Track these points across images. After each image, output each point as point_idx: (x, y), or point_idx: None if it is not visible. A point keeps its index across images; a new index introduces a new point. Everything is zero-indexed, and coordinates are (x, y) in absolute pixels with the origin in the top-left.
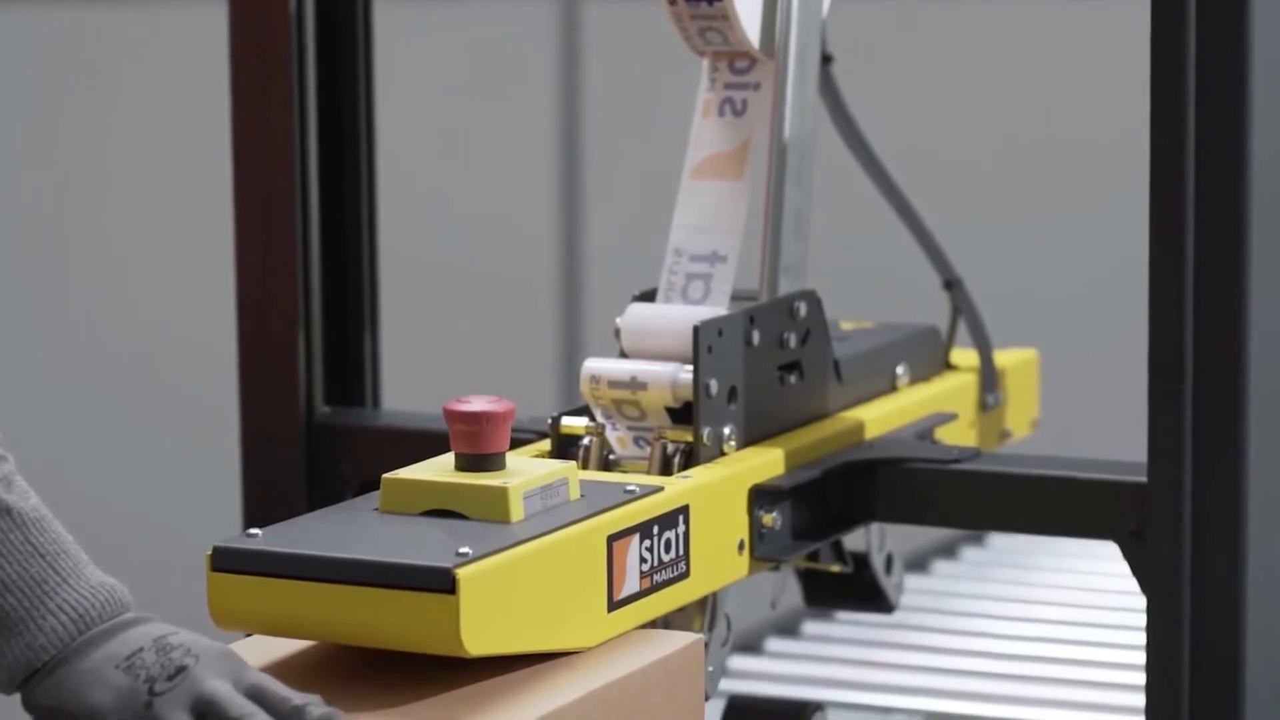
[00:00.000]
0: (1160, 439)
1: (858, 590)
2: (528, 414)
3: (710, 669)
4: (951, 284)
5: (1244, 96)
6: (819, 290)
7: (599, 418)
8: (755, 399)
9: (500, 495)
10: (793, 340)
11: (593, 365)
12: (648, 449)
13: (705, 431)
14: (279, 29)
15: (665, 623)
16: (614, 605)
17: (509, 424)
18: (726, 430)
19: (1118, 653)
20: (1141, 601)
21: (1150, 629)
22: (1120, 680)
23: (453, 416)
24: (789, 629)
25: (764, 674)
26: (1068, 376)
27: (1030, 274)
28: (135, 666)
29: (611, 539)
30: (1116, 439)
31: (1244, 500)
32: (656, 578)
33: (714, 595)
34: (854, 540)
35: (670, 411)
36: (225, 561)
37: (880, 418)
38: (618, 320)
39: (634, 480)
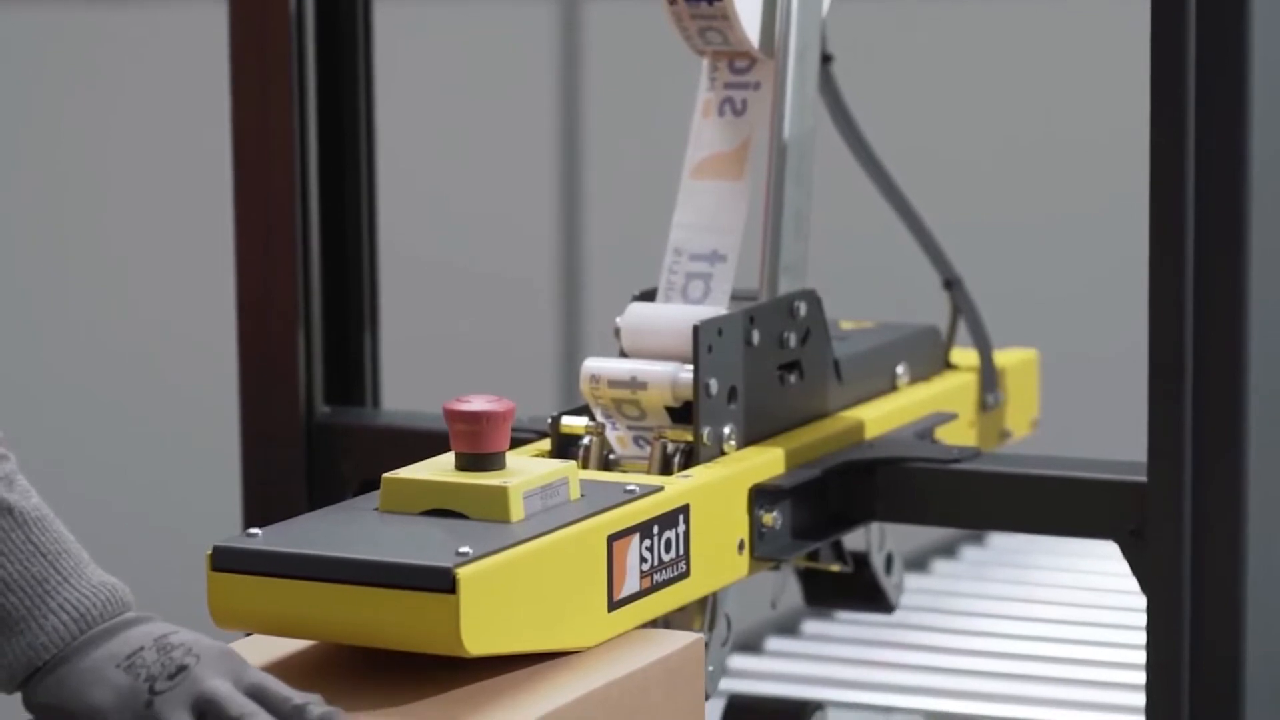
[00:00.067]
0: (1160, 439)
1: (858, 590)
2: (528, 413)
3: (710, 668)
4: (951, 283)
5: (1244, 96)
6: (819, 290)
7: (599, 417)
8: (755, 398)
9: (500, 495)
10: (793, 340)
11: (593, 365)
12: (648, 448)
13: (705, 431)
14: (279, 29)
15: (665, 622)
16: (614, 605)
17: (509, 423)
18: (726, 430)
19: (1118, 652)
20: (1141, 601)
21: (1150, 629)
22: (1120, 680)
23: (453, 416)
24: (789, 628)
25: (764, 673)
26: (1068, 376)
27: (1030, 274)
28: (136, 665)
29: (612, 539)
30: (1116, 439)
31: (1244, 500)
32: (656, 577)
33: (714, 595)
34: (854, 540)
35: (670, 411)
36: (225, 561)
37: (880, 417)
38: (618, 320)
39: (634, 480)
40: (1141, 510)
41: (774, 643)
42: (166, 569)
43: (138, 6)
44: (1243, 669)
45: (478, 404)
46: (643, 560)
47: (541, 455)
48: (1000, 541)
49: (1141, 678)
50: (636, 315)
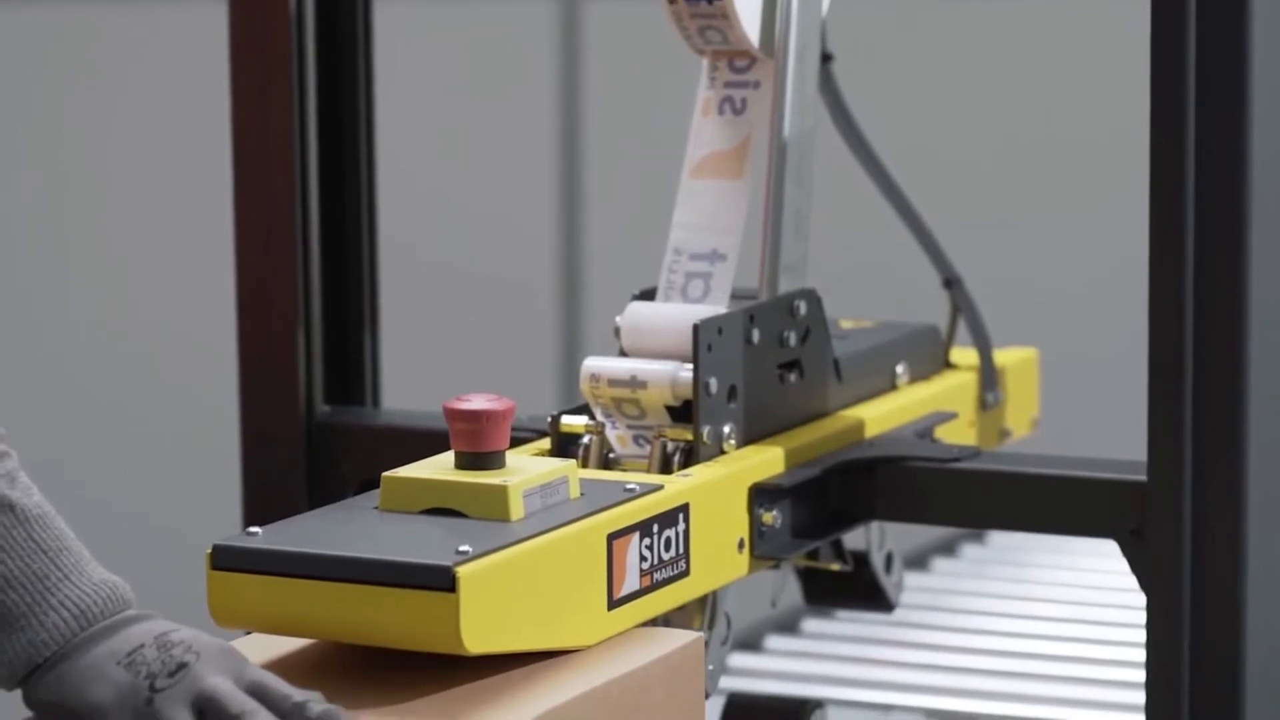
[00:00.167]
0: (1160, 438)
1: (858, 589)
2: (527, 413)
3: (710, 667)
4: (951, 283)
5: (1244, 96)
6: (819, 289)
7: (599, 416)
8: (755, 397)
9: (500, 493)
10: (793, 339)
11: (592, 364)
12: (647, 447)
13: (705, 430)
14: (279, 29)
15: (665, 621)
16: (614, 603)
17: (509, 422)
18: (726, 429)
19: (1118, 650)
20: (1142, 599)
21: (1150, 628)
22: (1120, 678)
23: (452, 415)
24: (789, 626)
25: (764, 671)
26: (1068, 375)
27: (1030, 273)
28: (136, 663)
29: (611, 537)
30: (1116, 438)
31: (1244, 499)
32: (656, 576)
33: (714, 594)
34: (854, 539)
35: (670, 410)
36: (225, 560)
37: (880, 416)
38: (617, 319)
39: (634, 479)
40: (1141, 510)
41: (774, 641)
42: (166, 568)
43: (138, 6)
44: (1243, 669)
45: (477, 403)
46: (642, 559)
47: (541, 454)
48: (1000, 539)
49: (1141, 676)
50: (636, 314)
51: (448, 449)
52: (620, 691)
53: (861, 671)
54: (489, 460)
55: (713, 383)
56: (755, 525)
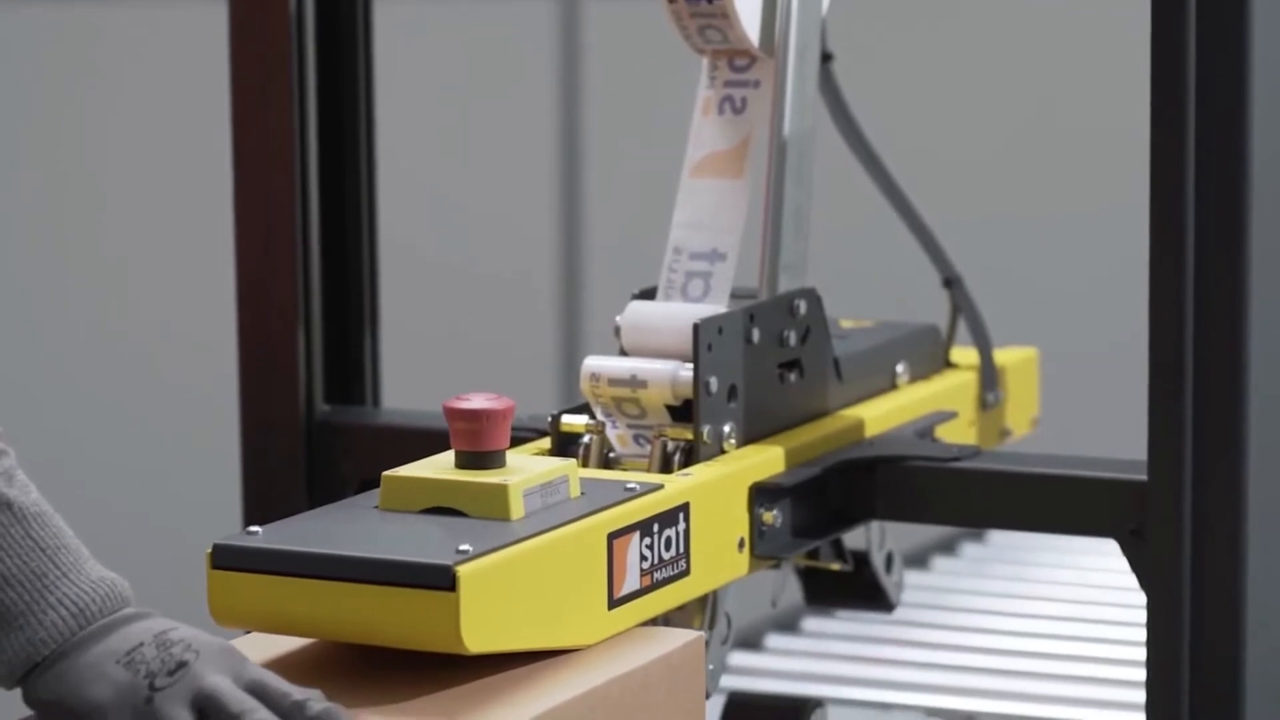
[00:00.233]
0: (1160, 438)
1: (858, 589)
2: (528, 412)
3: (711, 667)
4: (951, 282)
5: (1244, 96)
6: (819, 288)
7: (599, 416)
8: (755, 397)
9: (500, 493)
10: (793, 338)
11: (593, 363)
12: (648, 447)
13: (705, 429)
14: (279, 29)
15: (665, 621)
16: (614, 603)
17: (509, 422)
18: (726, 428)
19: (1118, 649)
20: (1142, 598)
21: (1150, 627)
22: (1120, 677)
23: (453, 414)
24: (789, 625)
25: (764, 670)
26: (1068, 375)
27: (1030, 272)
28: (136, 661)
29: (612, 537)
30: (1116, 437)
31: (1244, 499)
32: (657, 575)
33: (714, 593)
34: (854, 539)
35: (670, 409)
36: (225, 559)
37: (880, 416)
38: (618, 318)
39: (634, 478)
40: (1141, 509)
41: (774, 640)
42: (166, 568)
43: (137, 6)
44: (1243, 668)
45: (478, 402)
46: (643, 558)
47: (541, 454)
48: (1001, 538)
49: (1142, 675)
50: (636, 314)
51: (448, 448)
52: (621, 691)
53: (861, 670)
54: (489, 459)
55: (713, 382)
56: (755, 525)
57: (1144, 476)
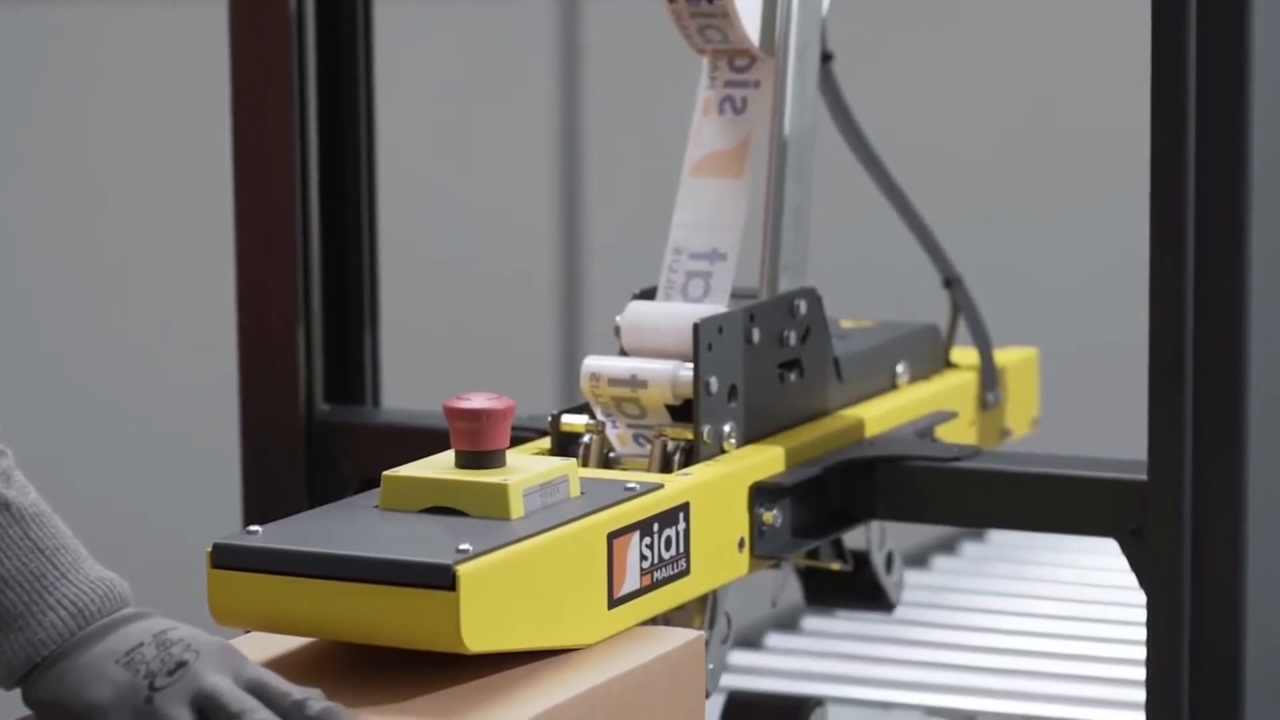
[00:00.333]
0: (1160, 438)
1: (858, 589)
2: (528, 412)
3: (711, 667)
4: (951, 282)
5: (1244, 96)
6: (819, 288)
7: (599, 415)
8: (755, 397)
9: (500, 492)
10: (793, 338)
11: (593, 363)
12: (648, 447)
13: (705, 429)
14: (279, 29)
15: (665, 620)
16: (614, 602)
17: (509, 421)
18: (726, 428)
19: (1118, 648)
20: (1142, 597)
21: (1150, 627)
22: (1120, 676)
23: (453, 414)
24: (789, 624)
25: (764, 669)
26: (1068, 375)
27: (1030, 272)
28: (135, 661)
29: (611, 536)
30: (1116, 437)
31: (1244, 499)
32: (657, 575)
33: (714, 593)
34: (854, 539)
35: (670, 409)
36: (225, 558)
37: (880, 416)
38: (618, 318)
39: (634, 478)
40: (1141, 509)
41: (774, 639)
42: (166, 568)
43: (137, 5)
44: (1243, 667)
45: (478, 401)
46: (643, 558)
47: (541, 453)
48: (1001, 538)
49: (1141, 674)
50: (636, 313)
51: (448, 448)
52: (621, 690)
53: (862, 669)
54: (489, 459)
55: (713, 382)
56: (755, 524)
57: (1144, 476)
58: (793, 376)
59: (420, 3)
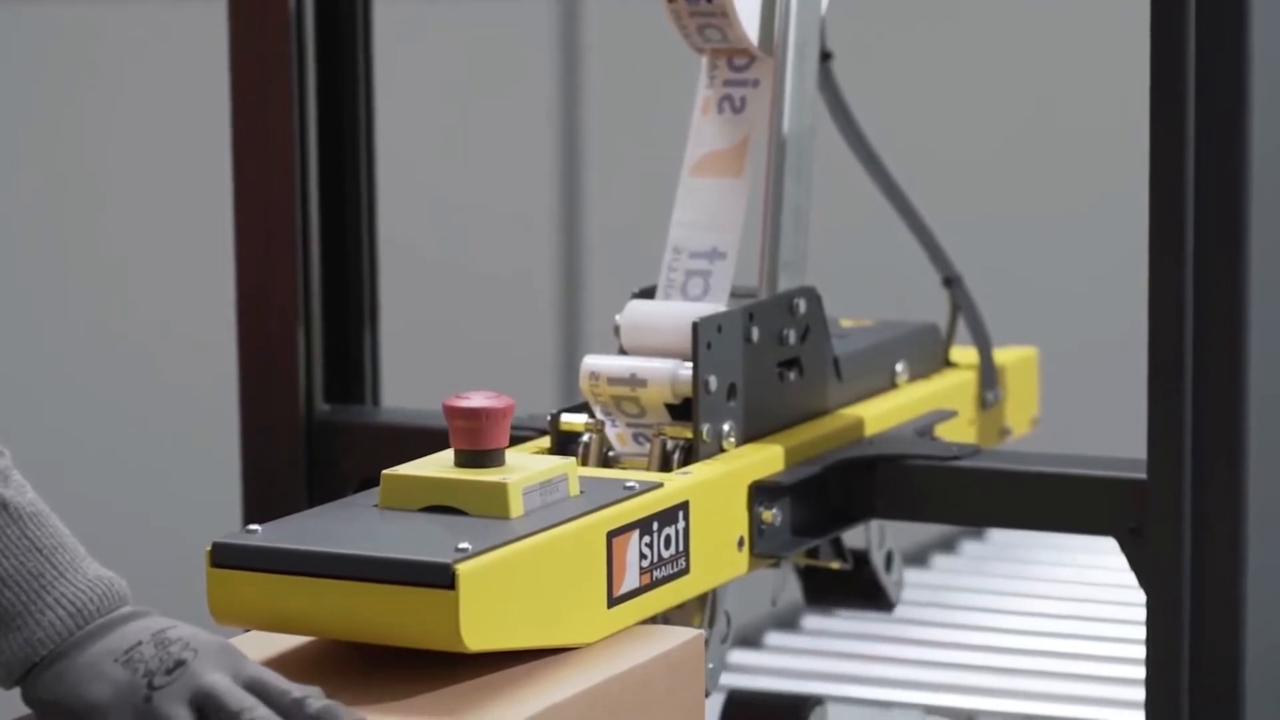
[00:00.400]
0: (1160, 437)
1: (858, 588)
2: (527, 411)
3: (710, 666)
4: (951, 281)
5: (1244, 96)
6: (818, 287)
7: (598, 414)
8: (755, 395)
9: (500, 491)
10: (792, 337)
11: (592, 362)
12: (647, 446)
13: (705, 428)
14: (279, 29)
15: (665, 619)
16: (614, 601)
17: (508, 420)
18: (726, 427)
19: (1118, 647)
20: (1142, 596)
21: (1150, 626)
22: (1120, 675)
23: (452, 412)
24: (788, 623)
25: (763, 668)
26: (1067, 374)
27: (1030, 271)
28: (134, 660)
29: (611, 535)
30: (1116, 436)
31: (1244, 498)
32: (656, 574)
33: (714, 592)
34: (854, 538)
35: (670, 408)
36: (225, 557)
37: (880, 415)
38: (617, 317)
39: (633, 477)
40: (1141, 508)
41: (773, 637)
42: (166, 567)
43: (138, 5)
44: (1242, 666)
45: (477, 400)
46: (642, 557)
47: (541, 452)
48: (1001, 536)
49: (1141, 673)
50: (636, 312)
51: (447, 447)
52: (620, 689)
53: (861, 668)
54: (489, 458)
55: (712, 381)
56: (755, 523)
57: (1143, 475)
58: (792, 375)
59: (420, 3)
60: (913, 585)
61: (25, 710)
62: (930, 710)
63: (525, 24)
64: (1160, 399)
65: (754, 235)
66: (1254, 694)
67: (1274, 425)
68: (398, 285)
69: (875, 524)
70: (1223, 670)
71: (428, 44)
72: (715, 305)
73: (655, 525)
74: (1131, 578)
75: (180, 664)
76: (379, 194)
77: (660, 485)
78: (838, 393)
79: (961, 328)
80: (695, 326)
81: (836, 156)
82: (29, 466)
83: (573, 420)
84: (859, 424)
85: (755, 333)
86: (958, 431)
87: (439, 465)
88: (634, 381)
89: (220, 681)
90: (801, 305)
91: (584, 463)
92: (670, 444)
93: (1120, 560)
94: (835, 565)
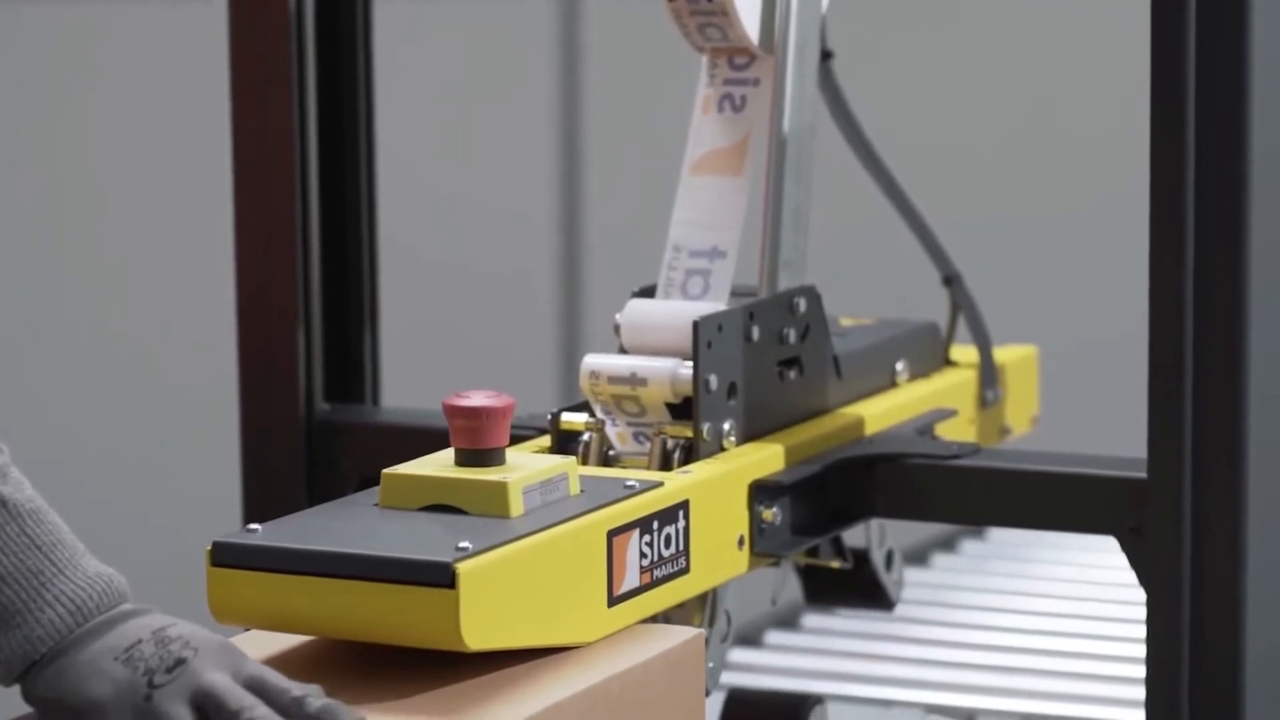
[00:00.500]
0: (1160, 436)
1: (858, 587)
2: (527, 410)
3: (710, 665)
4: (951, 280)
5: (1244, 95)
6: (818, 286)
7: (599, 413)
8: (755, 394)
9: (500, 490)
10: (792, 336)
11: (592, 361)
12: (647, 445)
13: (705, 427)
14: (279, 29)
15: (665, 618)
16: (614, 600)
17: (508, 419)
18: (726, 426)
19: (1118, 646)
20: (1142, 595)
21: (1150, 625)
22: (1120, 674)
23: (452, 412)
24: (788, 622)
25: (764, 667)
26: (1067, 373)
27: (1030, 270)
28: (134, 658)
29: (611, 534)
30: (1116, 435)
31: (1244, 497)
32: (656, 573)
33: (714, 591)
34: (854, 536)
35: (670, 407)
36: (225, 557)
37: (880, 414)
38: (617, 316)
39: (634, 476)
40: (1141, 507)
41: (774, 636)
42: (166, 567)
43: (138, 5)
44: (1242, 666)
45: (477, 399)
46: (642, 556)
47: (541, 452)
48: (1001, 535)
49: (1141, 672)
50: (636, 311)
51: (448, 446)
52: (620, 688)
53: (861, 667)
54: (489, 457)
55: (712, 380)
56: (755, 522)
57: (1144, 474)
58: (792, 374)
59: (420, 3)
60: (913, 584)
61: (25, 708)
62: (930, 709)
63: (525, 24)
64: (1160, 399)
65: (754, 234)
66: (1254, 694)
67: (1274, 425)
68: (398, 285)
69: (875, 523)
70: (1223, 670)
71: (428, 44)
72: (715, 304)
73: (655, 524)
74: (1131, 577)
75: (180, 662)
76: (379, 194)
77: (660, 484)
78: (838, 392)
79: (961, 327)
80: (695, 325)
81: (836, 156)
82: (29, 466)
83: (573, 419)
84: (859, 423)
85: (755, 332)
86: (958, 430)
87: (439, 464)
88: (634, 380)
89: (220, 680)
90: (801, 304)
91: (584, 462)
92: (670, 443)
93: (1120, 559)
94: (835, 564)
